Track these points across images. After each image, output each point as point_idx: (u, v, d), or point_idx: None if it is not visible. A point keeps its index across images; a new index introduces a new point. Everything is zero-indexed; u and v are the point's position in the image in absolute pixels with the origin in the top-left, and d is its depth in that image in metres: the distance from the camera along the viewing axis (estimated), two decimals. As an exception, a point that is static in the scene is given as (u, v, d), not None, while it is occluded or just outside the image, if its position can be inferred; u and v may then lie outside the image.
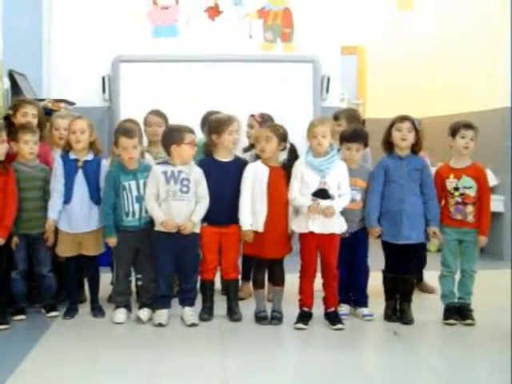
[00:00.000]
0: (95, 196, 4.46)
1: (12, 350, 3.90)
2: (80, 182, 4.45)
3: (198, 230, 4.40)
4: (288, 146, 4.42)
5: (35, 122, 4.63)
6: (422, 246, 4.86)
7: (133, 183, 4.40)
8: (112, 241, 4.42)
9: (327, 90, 6.67)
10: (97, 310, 4.56)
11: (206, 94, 6.29)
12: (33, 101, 4.89)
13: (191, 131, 4.39)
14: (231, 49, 6.59)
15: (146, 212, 4.39)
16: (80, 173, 4.45)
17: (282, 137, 4.39)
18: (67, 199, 4.44)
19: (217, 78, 6.48)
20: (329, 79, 6.67)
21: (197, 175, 4.37)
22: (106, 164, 4.54)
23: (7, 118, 4.71)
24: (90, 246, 4.50)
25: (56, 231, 4.48)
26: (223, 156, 4.50)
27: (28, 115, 4.63)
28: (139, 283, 4.59)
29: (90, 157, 4.50)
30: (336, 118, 5.15)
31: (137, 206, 4.40)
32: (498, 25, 6.67)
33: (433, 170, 4.66)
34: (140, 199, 4.39)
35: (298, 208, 4.31)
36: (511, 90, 6.42)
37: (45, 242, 4.45)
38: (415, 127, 4.44)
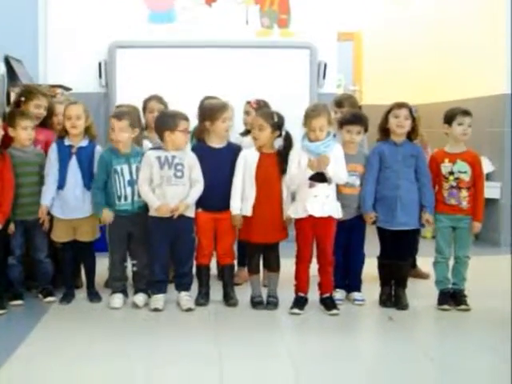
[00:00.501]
0: (89, 182, 4.47)
1: (9, 335, 3.93)
2: (74, 168, 4.45)
3: (192, 215, 4.43)
4: (284, 133, 4.43)
5: (45, 114, 4.65)
6: (416, 232, 4.89)
7: (125, 167, 4.40)
8: (105, 215, 4.41)
9: (324, 77, 6.66)
10: (93, 295, 4.59)
11: (203, 79, 6.28)
12: (45, 92, 4.87)
13: (186, 118, 4.39)
14: (228, 35, 6.58)
15: (139, 196, 4.41)
16: (74, 159, 4.46)
17: (276, 125, 4.38)
18: (61, 185, 4.45)
19: (213, 63, 6.46)
20: (325, 65, 6.65)
21: (190, 160, 4.38)
22: (100, 150, 4.53)
23: (18, 103, 4.68)
24: (85, 232, 4.51)
25: (52, 217, 4.49)
26: (216, 142, 4.50)
27: (41, 107, 4.65)
28: (134, 269, 4.60)
29: (84, 143, 4.50)
30: (339, 103, 5.14)
31: (129, 190, 4.40)
32: (498, 11, 6.66)
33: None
34: (132, 183, 4.40)
35: (295, 187, 4.32)
36: (511, 77, 6.43)
37: (41, 228, 4.47)
38: (412, 115, 4.45)
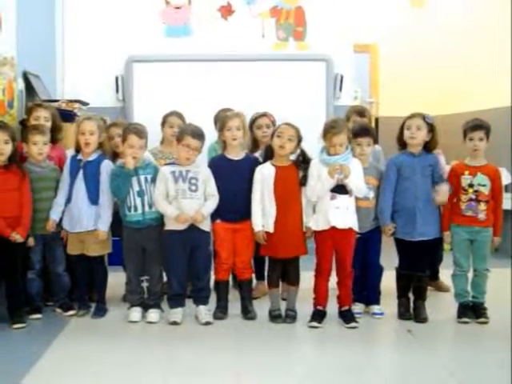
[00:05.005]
0: (93, 196, 4.48)
1: (29, 348, 3.94)
2: (79, 182, 4.48)
3: (208, 228, 4.45)
4: (298, 150, 4.43)
5: (48, 125, 4.68)
6: (438, 245, 4.86)
7: (134, 179, 4.42)
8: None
9: (340, 89, 6.67)
10: (98, 310, 4.57)
11: (219, 93, 6.31)
12: (46, 104, 4.92)
13: (193, 135, 4.35)
14: (244, 48, 6.61)
15: (150, 207, 4.42)
16: (81, 173, 4.49)
17: (300, 140, 4.41)
18: (68, 198, 4.49)
19: (230, 77, 6.49)
20: (342, 78, 6.66)
21: (205, 175, 4.41)
22: (109, 164, 4.53)
23: (23, 122, 4.77)
24: (92, 246, 4.51)
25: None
26: (234, 154, 4.52)
27: (40, 118, 4.69)
28: (146, 284, 4.61)
29: (92, 157, 4.53)
30: (362, 113, 5.11)
31: (138, 200, 4.42)
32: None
33: (448, 168, 4.65)
34: (141, 194, 4.43)
35: (316, 200, 4.31)
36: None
37: (60, 241, 4.52)
38: (429, 123, 4.42)
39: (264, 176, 4.40)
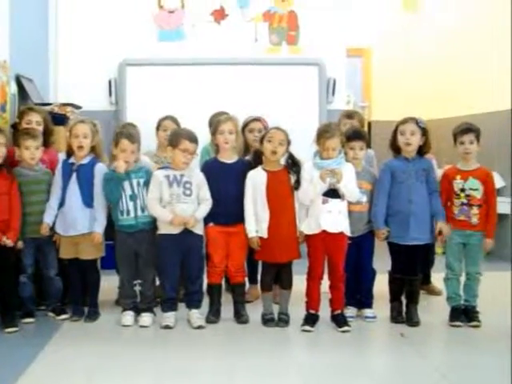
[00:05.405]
0: (87, 199, 4.48)
1: (22, 352, 3.93)
2: (73, 186, 4.48)
3: (201, 232, 4.44)
4: (286, 154, 4.44)
5: (40, 128, 4.67)
6: (430, 249, 4.86)
7: (126, 183, 4.42)
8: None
9: (333, 93, 6.68)
10: (91, 314, 4.56)
11: (212, 97, 6.32)
12: (38, 108, 4.92)
13: (190, 139, 4.38)
14: (237, 52, 6.62)
15: (142, 211, 4.43)
16: (74, 176, 4.49)
17: (289, 144, 4.41)
18: (62, 202, 4.48)
19: (223, 81, 6.50)
20: (335, 82, 6.68)
21: (198, 179, 4.42)
22: (102, 167, 4.52)
23: (15, 125, 4.77)
24: (86, 250, 4.50)
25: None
26: (226, 157, 4.53)
27: (32, 123, 4.68)
28: (139, 288, 4.60)
29: (85, 160, 4.52)
30: (350, 116, 5.13)
31: (131, 204, 4.43)
32: (508, 26, 6.66)
33: (439, 172, 4.67)
34: (134, 197, 4.43)
35: (309, 203, 4.32)
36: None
37: (53, 245, 4.51)
38: (421, 127, 4.43)
39: (256, 181, 4.40)
